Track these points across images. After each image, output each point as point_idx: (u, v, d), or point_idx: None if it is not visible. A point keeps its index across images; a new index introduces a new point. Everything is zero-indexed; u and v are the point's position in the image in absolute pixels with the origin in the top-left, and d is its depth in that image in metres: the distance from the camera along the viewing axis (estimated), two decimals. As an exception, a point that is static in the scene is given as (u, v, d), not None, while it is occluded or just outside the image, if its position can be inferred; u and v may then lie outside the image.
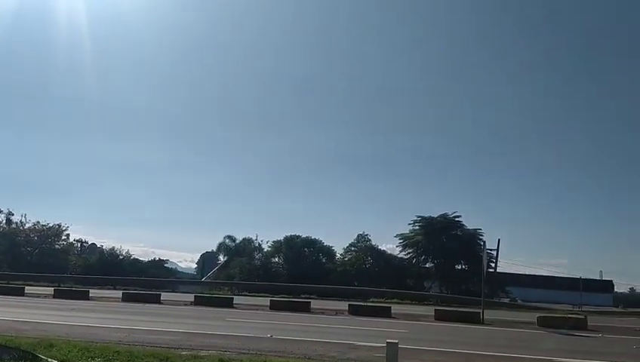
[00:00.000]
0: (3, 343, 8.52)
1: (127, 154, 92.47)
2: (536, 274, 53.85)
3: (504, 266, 40.02)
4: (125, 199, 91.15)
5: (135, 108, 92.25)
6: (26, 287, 28.10)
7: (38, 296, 25.26)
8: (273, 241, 46.28)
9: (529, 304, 34.89)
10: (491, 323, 19.05)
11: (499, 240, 36.72)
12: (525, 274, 51.68)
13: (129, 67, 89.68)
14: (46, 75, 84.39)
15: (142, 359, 8.16)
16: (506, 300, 38.53)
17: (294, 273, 40.73)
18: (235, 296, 27.27)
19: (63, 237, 49.78)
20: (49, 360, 7.61)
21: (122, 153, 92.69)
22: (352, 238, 45.99)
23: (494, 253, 36.52)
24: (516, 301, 38.95)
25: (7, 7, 73.14)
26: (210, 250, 58.14)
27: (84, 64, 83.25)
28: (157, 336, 11.42)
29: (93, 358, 7.97)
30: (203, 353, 9.07)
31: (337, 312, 21.12)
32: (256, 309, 21.65)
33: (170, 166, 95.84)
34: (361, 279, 40.94)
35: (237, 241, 51.20)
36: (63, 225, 48.75)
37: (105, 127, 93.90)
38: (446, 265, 40.44)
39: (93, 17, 79.77)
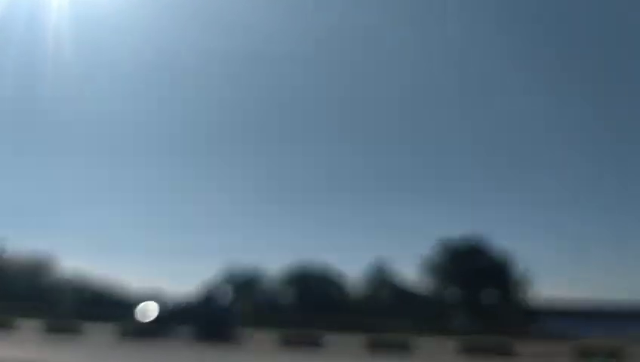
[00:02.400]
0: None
1: (117, 180, 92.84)
2: (571, 303, 52.95)
3: (537, 294, 39.43)
4: (117, 228, 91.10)
5: (123, 127, 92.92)
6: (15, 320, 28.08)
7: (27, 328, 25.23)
8: (281, 270, 46.03)
9: (563, 334, 34.30)
10: (523, 355, 18.74)
11: (529, 268, 36.38)
12: (559, 303, 50.86)
13: (118, 90, 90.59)
14: (29, 97, 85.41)
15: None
16: (539, 331, 37.94)
17: (304, 304, 40.45)
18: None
19: (53, 270, 49.88)
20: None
21: (112, 179, 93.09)
22: (367, 263, 45.60)
23: (524, 280, 36.18)
24: (548, 331, 38.32)
25: None
26: (212, 280, 58.00)
27: (69, 81, 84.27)
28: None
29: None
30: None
31: (352, 346, 20.89)
32: (265, 345, 21.48)
33: (165, 192, 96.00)
34: (377, 311, 40.56)
35: (241, 270, 51.01)
36: (52, 256, 48.91)
37: (93, 150, 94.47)
38: (471, 294, 39.96)
39: (80, 43, 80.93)
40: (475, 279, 39.45)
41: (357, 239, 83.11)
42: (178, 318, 24.10)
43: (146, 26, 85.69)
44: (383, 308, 40.82)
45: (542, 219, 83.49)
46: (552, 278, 77.95)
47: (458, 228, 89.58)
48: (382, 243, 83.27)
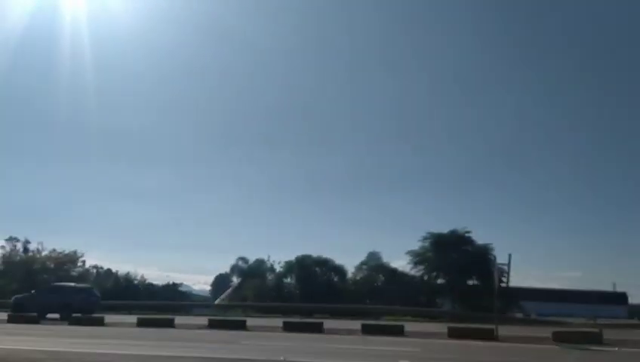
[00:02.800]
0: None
1: (136, 179, 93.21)
2: (550, 287, 53.09)
3: (517, 281, 39.40)
4: (138, 224, 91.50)
5: (141, 132, 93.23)
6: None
7: (54, 323, 25.24)
8: (285, 262, 46.19)
9: (543, 318, 34.33)
10: (505, 339, 18.71)
11: (510, 254, 35.80)
12: (538, 289, 50.95)
13: (133, 93, 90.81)
14: (52, 103, 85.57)
15: None
16: (520, 315, 37.96)
17: (307, 293, 40.52)
18: (248, 318, 27.08)
19: (79, 264, 49.99)
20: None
21: (132, 178, 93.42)
22: (363, 256, 45.85)
23: (506, 267, 36.01)
24: (530, 316, 38.36)
25: (13, 36, 74.57)
26: (223, 272, 58.15)
27: (89, 92, 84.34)
28: (171, 362, 11.34)
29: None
30: None
31: (350, 332, 20.88)
32: (270, 331, 21.47)
33: (181, 189, 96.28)
34: (373, 297, 40.66)
35: (249, 263, 51.20)
36: (78, 251, 49.00)
37: (114, 153, 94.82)
38: (458, 281, 39.99)
39: (97, 44, 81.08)
40: (460, 267, 39.44)
41: (352, 231, 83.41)
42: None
43: (159, 39, 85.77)
44: (377, 294, 40.89)
45: (522, 210, 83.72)
46: (533, 265, 78.20)
47: (444, 219, 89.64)
48: (375, 235, 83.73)
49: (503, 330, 20.27)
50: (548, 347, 16.78)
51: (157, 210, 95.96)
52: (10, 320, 25.55)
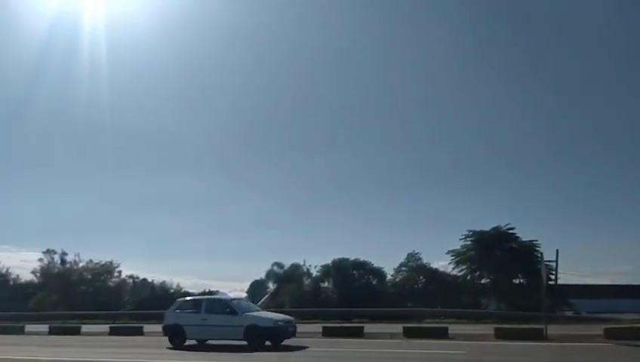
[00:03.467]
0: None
1: (169, 188, 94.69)
2: (600, 283, 51.56)
3: (565, 278, 38.30)
4: (172, 232, 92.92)
5: (174, 141, 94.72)
6: (82, 326, 28.86)
7: (93, 334, 25.87)
8: (321, 266, 46.09)
9: (594, 315, 33.31)
10: (555, 338, 18.26)
11: (557, 250, 35.03)
12: (588, 285, 49.58)
13: (163, 101, 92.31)
14: (82, 113, 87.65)
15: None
16: (570, 313, 36.96)
17: (345, 297, 40.37)
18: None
19: (116, 274, 51.03)
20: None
21: (164, 187, 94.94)
22: (401, 258, 45.38)
23: (553, 264, 35.14)
24: (580, 313, 37.30)
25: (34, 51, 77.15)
26: (259, 278, 58.63)
27: (119, 101, 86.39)
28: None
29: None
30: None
31: (392, 336, 20.70)
32: (309, 336, 21.46)
33: (213, 197, 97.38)
34: (413, 300, 40.23)
35: (285, 268, 51.44)
36: (114, 261, 50.06)
37: (146, 162, 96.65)
38: (502, 281, 39.19)
39: (116, 53, 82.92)
40: (504, 265, 38.66)
41: (390, 233, 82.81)
42: None
43: (176, 47, 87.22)
44: (418, 296, 40.47)
45: (568, 204, 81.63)
46: (582, 261, 76.12)
47: (485, 217, 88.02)
48: (413, 235, 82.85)
49: (553, 329, 19.76)
50: (600, 345, 16.32)
51: (190, 218, 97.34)
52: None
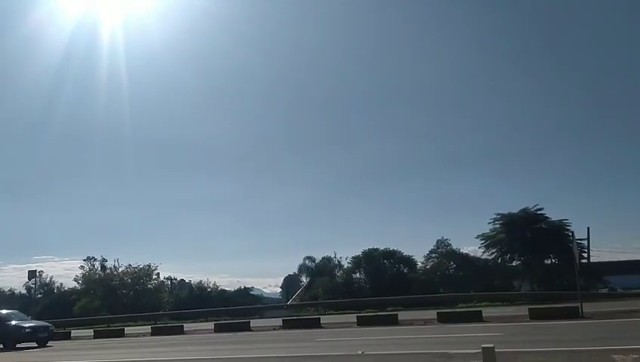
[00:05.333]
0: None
1: (201, 191, 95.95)
2: (634, 259, 50.26)
3: (599, 255, 37.58)
4: (206, 233, 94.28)
5: (200, 144, 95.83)
6: (125, 328, 29.54)
7: (137, 335, 26.44)
8: (352, 257, 46.20)
9: (630, 292, 32.64)
10: (592, 316, 17.95)
11: (588, 228, 34.65)
12: (622, 261, 48.39)
13: (190, 105, 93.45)
14: (111, 122, 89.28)
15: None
16: (605, 290, 36.26)
17: (377, 286, 40.41)
18: (321, 316, 27.33)
19: (154, 277, 51.89)
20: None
21: (197, 190, 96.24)
22: (431, 245, 45.21)
23: (585, 242, 34.53)
24: (616, 290, 36.54)
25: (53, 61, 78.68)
26: (292, 273, 58.91)
27: (148, 107, 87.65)
28: (251, 363, 11.60)
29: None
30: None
31: (426, 322, 20.63)
32: (344, 327, 21.56)
33: (243, 195, 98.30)
34: (445, 285, 40.01)
35: (316, 261, 51.62)
36: (152, 264, 50.93)
37: (176, 166, 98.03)
38: (534, 261, 38.59)
39: (133, 73, 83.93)
40: (535, 246, 38.03)
41: (418, 221, 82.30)
42: None
43: (200, 53, 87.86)
44: (450, 282, 40.20)
45: (596, 181, 79.80)
46: (613, 237, 74.36)
47: (512, 200, 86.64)
48: (441, 222, 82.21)
49: (589, 307, 19.42)
50: (637, 320, 15.96)
51: (223, 218, 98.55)
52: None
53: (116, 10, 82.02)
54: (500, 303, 30.79)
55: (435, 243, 44.80)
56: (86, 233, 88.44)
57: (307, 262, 52.28)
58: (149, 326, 29.29)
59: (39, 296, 57.97)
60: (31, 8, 79.41)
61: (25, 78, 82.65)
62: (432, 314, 22.10)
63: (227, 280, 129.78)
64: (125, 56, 75.82)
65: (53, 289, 62.67)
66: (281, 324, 23.93)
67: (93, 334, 27.77)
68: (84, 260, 54.54)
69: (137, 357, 14.70)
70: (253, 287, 56.76)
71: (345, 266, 47.48)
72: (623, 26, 77.28)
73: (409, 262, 44.75)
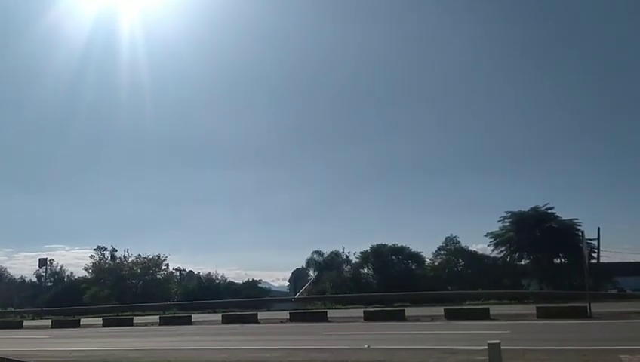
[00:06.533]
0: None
1: (211, 185, 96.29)
2: (644, 261, 49.79)
3: (609, 256, 37.30)
4: (216, 226, 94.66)
5: (211, 138, 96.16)
6: (134, 317, 29.84)
7: (145, 324, 26.71)
8: (360, 252, 46.15)
9: (639, 293, 32.39)
10: (600, 316, 17.88)
11: (599, 228, 34.45)
12: (633, 263, 47.99)
13: (201, 100, 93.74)
14: (124, 116, 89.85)
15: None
16: (614, 291, 36.01)
17: (384, 282, 40.37)
18: (328, 310, 27.43)
19: (163, 267, 52.16)
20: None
21: (207, 184, 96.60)
22: (440, 242, 45.04)
23: (595, 242, 34.34)
24: (625, 291, 36.27)
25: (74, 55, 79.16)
26: (300, 267, 58.98)
27: (162, 102, 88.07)
28: (258, 354, 11.72)
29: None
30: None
31: (433, 318, 20.66)
32: (351, 321, 21.65)
33: (253, 190, 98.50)
34: (453, 283, 39.91)
35: (324, 256, 51.61)
36: (162, 255, 51.21)
37: (186, 160, 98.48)
38: (543, 261, 38.37)
39: (154, 57, 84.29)
40: (545, 245, 37.83)
41: (427, 218, 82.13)
42: None
43: (215, 49, 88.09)
44: (458, 279, 40.11)
45: (607, 181, 79.11)
46: (624, 238, 73.73)
47: (523, 198, 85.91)
48: (451, 220, 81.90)
49: (597, 308, 19.32)
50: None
51: (233, 212, 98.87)
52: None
53: (134, 4, 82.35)
54: (508, 301, 30.69)
55: (443, 240, 44.65)
56: (97, 223, 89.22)
57: (315, 256, 52.27)
58: (157, 316, 29.56)
59: (49, 284, 58.47)
60: (49, 4, 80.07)
61: (46, 74, 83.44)
62: (439, 310, 22.11)
63: (235, 273, 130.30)
64: (144, 49, 76.31)
65: (64, 277, 63.18)
66: (289, 317, 24.06)
67: (102, 322, 28.10)
68: (94, 250, 54.96)
69: (145, 346, 14.88)
70: (261, 280, 56.95)
71: (353, 261, 47.48)
72: (638, 22, 76.38)
73: (417, 258, 44.65)
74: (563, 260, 38.37)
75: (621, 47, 77.02)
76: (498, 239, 40.76)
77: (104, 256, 54.23)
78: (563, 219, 39.00)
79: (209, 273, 50.38)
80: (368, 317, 22.11)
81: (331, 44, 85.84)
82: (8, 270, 70.01)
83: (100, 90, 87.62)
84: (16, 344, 18.02)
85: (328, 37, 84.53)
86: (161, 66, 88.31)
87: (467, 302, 30.37)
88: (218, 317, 26.49)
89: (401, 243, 45.09)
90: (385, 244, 45.07)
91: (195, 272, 56.72)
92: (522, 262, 40.06)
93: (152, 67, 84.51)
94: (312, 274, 53.89)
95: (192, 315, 27.86)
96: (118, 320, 29.82)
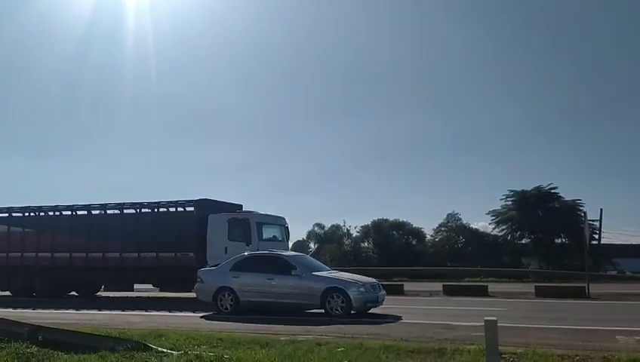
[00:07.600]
0: (117, 335, 9.21)
1: (214, 156, 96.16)
2: (646, 243, 49.87)
3: (610, 237, 37.28)
4: (219, 196, 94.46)
5: (215, 109, 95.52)
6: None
7: (146, 290, 26.95)
8: (361, 226, 46.40)
9: (639, 275, 32.50)
10: (598, 296, 17.98)
11: (601, 210, 33.93)
12: (634, 245, 48.10)
13: (207, 74, 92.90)
14: (130, 87, 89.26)
15: (243, 345, 8.50)
16: (614, 272, 36.17)
17: (385, 256, 40.65)
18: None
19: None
20: (159, 348, 8.12)
21: (209, 154, 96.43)
22: (441, 218, 45.18)
23: (597, 223, 34.26)
24: (624, 272, 36.44)
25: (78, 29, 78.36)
26: (300, 239, 59.32)
27: (173, 71, 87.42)
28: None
29: (199, 345, 8.42)
30: (301, 338, 9.28)
31: (432, 293, 20.81)
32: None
33: (256, 163, 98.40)
34: (453, 259, 40.14)
35: (325, 228, 51.85)
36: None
37: (190, 133, 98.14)
38: (544, 240, 38.54)
39: (161, 27, 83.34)
40: (546, 225, 37.90)
41: (429, 194, 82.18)
42: None
43: (221, 22, 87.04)
44: (458, 256, 40.33)
45: (612, 162, 78.79)
46: (627, 220, 73.89)
47: (526, 177, 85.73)
48: (453, 197, 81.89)
49: (596, 288, 19.43)
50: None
51: (236, 183, 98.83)
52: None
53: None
54: (507, 279, 30.87)
55: (445, 216, 44.81)
56: (102, 193, 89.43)
57: (316, 228, 52.57)
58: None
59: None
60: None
61: (52, 43, 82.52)
62: (437, 286, 22.23)
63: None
64: (151, 16, 75.14)
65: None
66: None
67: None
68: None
69: (144, 313, 15.05)
70: (261, 251, 57.32)
71: (353, 235, 47.76)
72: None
73: (418, 234, 44.86)
74: (564, 240, 38.53)
75: (631, 28, 75.74)
76: (500, 217, 40.89)
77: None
78: (566, 199, 39.03)
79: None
80: (367, 290, 22.25)
81: (341, 19, 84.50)
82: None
83: (110, 59, 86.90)
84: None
85: (338, 12, 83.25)
86: (170, 34, 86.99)
87: (466, 279, 30.58)
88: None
89: (402, 219, 45.29)
90: (386, 219, 45.27)
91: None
92: (523, 241, 40.25)
93: (158, 35, 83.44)
94: (312, 246, 54.23)
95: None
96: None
